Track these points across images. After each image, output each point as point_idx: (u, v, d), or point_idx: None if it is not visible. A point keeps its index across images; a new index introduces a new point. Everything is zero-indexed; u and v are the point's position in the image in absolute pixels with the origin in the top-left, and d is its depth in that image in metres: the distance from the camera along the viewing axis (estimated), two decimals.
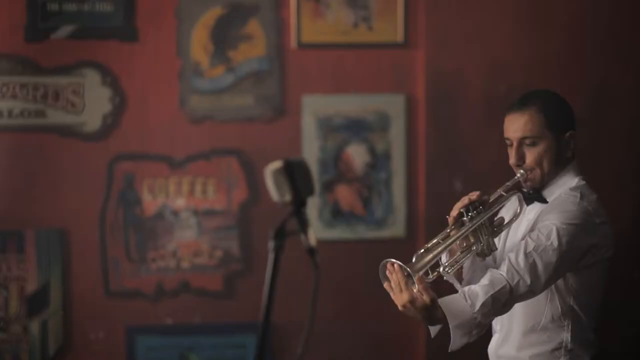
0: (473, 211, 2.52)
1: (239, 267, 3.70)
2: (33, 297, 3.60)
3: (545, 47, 3.73)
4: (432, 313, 2.38)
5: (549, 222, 2.57)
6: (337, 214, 3.75)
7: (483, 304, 2.40)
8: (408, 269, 2.38)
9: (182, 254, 3.68)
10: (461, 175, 3.66)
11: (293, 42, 3.70)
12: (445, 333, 2.32)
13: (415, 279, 2.37)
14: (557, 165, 2.71)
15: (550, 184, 2.71)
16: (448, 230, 2.50)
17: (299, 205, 1.80)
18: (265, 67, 3.70)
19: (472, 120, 3.67)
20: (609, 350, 3.55)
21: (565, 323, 2.63)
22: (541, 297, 2.60)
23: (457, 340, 2.44)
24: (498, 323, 2.68)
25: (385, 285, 2.43)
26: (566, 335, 2.63)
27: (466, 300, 2.40)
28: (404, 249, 3.72)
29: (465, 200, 2.54)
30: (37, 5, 3.59)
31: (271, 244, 1.80)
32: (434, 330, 2.53)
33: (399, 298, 2.37)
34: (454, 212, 2.54)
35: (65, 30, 3.62)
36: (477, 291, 2.41)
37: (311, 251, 1.84)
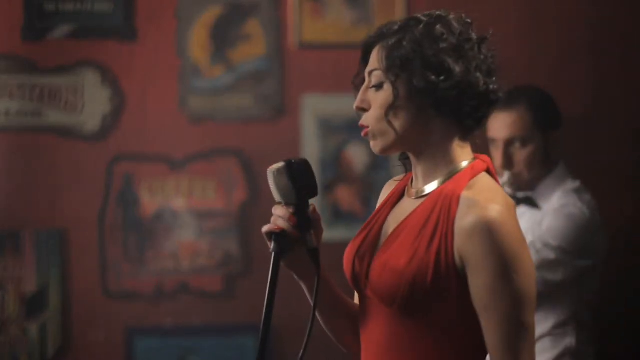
0: None
1: (238, 268, 3.68)
2: (32, 299, 3.58)
3: (546, 47, 3.72)
4: None
5: (554, 251, 2.54)
6: (337, 214, 3.73)
7: None
8: None
9: (182, 255, 3.67)
10: None
11: (293, 42, 3.69)
12: None
13: None
14: (545, 166, 2.66)
15: (540, 185, 2.67)
16: None
17: (301, 205, 1.78)
18: (265, 67, 3.69)
19: None
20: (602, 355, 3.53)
21: (570, 328, 2.61)
22: (545, 306, 2.58)
23: None
24: None
25: None
26: (570, 340, 2.61)
27: None
28: None
29: None
30: (34, 4, 3.58)
31: (272, 245, 1.79)
32: None
33: None
34: None
35: (63, 30, 3.61)
36: None
37: (312, 252, 1.82)
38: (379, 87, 1.76)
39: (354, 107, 1.80)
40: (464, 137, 1.76)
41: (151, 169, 3.66)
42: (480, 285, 1.64)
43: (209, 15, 3.68)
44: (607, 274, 2.98)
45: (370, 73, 1.78)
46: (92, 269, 3.63)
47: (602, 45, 3.73)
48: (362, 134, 1.79)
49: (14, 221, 3.60)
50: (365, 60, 1.80)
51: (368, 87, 1.78)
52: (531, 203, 2.66)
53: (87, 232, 3.63)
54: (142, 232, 3.65)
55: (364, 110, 1.79)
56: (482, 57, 1.75)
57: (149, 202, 3.66)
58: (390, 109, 1.73)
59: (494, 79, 1.76)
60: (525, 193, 2.68)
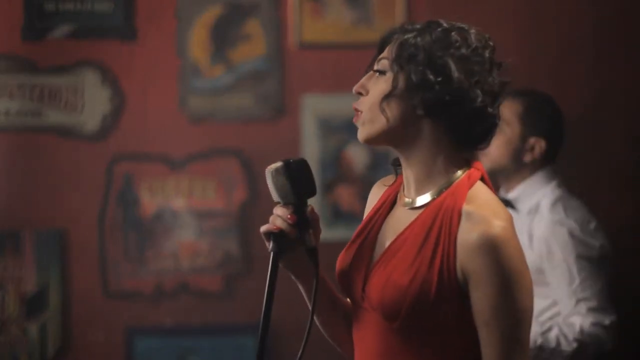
0: None
1: (238, 268, 3.68)
2: (32, 299, 3.58)
3: (546, 47, 3.71)
4: None
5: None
6: (337, 214, 3.73)
7: None
8: None
9: (182, 255, 3.67)
10: None
11: (293, 42, 3.68)
12: None
13: None
14: (514, 164, 2.62)
15: (516, 187, 2.63)
16: None
17: (299, 205, 1.78)
18: (265, 67, 3.69)
19: None
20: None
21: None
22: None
23: None
24: None
25: None
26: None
27: None
28: None
29: None
30: (34, 4, 3.58)
31: (270, 245, 1.79)
32: None
33: None
34: None
35: (63, 30, 3.61)
36: None
37: (311, 251, 1.82)
38: (381, 73, 1.78)
39: (353, 90, 1.81)
40: (457, 151, 1.76)
41: (151, 169, 3.66)
42: (482, 300, 1.65)
43: (209, 15, 3.68)
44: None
45: (378, 61, 1.80)
46: (92, 269, 3.63)
47: (602, 45, 3.73)
48: (354, 119, 1.78)
49: (14, 221, 3.60)
50: (381, 51, 1.82)
51: (372, 74, 1.80)
52: (509, 205, 2.64)
53: (87, 232, 3.63)
54: (142, 232, 3.65)
55: (361, 94, 1.79)
56: (489, 78, 1.75)
57: (149, 202, 3.66)
58: (386, 97, 1.74)
59: (495, 104, 1.75)
60: (504, 195, 2.68)
